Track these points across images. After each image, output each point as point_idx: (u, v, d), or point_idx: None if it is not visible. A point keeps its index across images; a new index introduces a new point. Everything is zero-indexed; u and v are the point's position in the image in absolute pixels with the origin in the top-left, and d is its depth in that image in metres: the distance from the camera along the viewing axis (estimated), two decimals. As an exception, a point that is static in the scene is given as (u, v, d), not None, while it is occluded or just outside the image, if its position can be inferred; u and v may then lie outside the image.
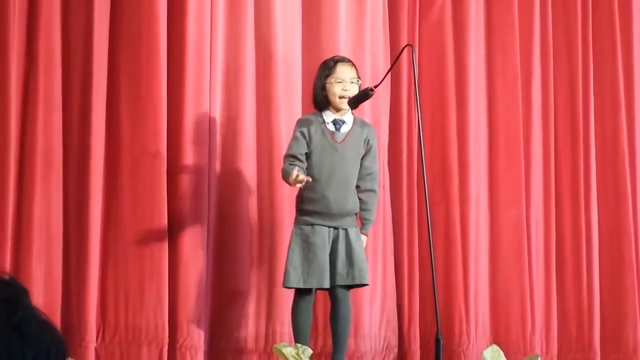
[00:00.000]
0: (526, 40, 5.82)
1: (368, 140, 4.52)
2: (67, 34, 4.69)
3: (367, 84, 4.62)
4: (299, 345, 4.18)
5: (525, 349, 5.56)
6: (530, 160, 5.77)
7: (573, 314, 5.79)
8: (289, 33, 5.17)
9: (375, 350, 5.20)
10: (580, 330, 5.77)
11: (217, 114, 4.97)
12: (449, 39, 5.63)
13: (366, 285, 4.51)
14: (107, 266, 4.68)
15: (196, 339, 4.74)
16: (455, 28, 5.65)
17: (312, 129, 4.44)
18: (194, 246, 4.79)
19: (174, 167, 4.81)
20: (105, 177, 4.70)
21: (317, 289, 4.42)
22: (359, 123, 4.54)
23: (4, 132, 4.48)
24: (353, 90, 4.44)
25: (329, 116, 4.48)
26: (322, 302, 4.81)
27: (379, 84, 4.49)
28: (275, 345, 4.24)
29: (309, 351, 4.13)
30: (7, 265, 4.40)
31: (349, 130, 4.48)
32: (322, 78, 4.47)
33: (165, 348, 4.66)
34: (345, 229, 4.41)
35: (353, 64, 4.53)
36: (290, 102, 5.11)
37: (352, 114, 4.53)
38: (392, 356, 5.26)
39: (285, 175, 4.34)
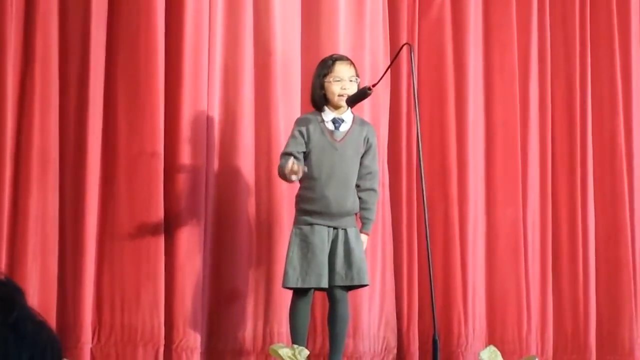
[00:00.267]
0: (524, 39, 5.83)
1: (368, 139, 4.51)
2: (64, 33, 4.69)
3: (367, 83, 4.61)
4: (295, 346, 4.17)
5: (521, 349, 5.57)
6: (527, 160, 5.78)
7: (569, 315, 5.80)
8: (288, 32, 5.16)
9: (374, 351, 5.20)
10: (576, 331, 5.78)
11: (215, 113, 4.97)
12: (448, 37, 5.64)
13: (366, 285, 4.51)
14: (103, 266, 4.67)
15: (192, 339, 4.73)
16: (455, 27, 5.66)
17: (311, 128, 4.43)
18: (191, 246, 4.78)
19: (171, 167, 4.80)
20: (102, 177, 4.69)
21: (315, 289, 4.41)
22: (358, 122, 4.53)
23: (0, 131, 4.47)
24: (352, 89, 4.44)
25: (328, 115, 4.47)
26: (320, 303, 4.81)
27: (377, 83, 4.48)
28: (271, 346, 4.23)
29: (306, 352, 4.13)
30: (3, 265, 4.39)
31: (348, 129, 4.48)
32: (321, 77, 4.46)
33: (161, 349, 4.65)
34: (345, 229, 4.40)
35: (352, 62, 4.52)
36: (289, 101, 5.10)
37: (352, 112, 4.53)
38: (391, 357, 5.26)
39: (281, 170, 4.33)
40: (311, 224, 4.38)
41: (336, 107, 4.47)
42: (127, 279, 4.67)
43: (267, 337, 4.92)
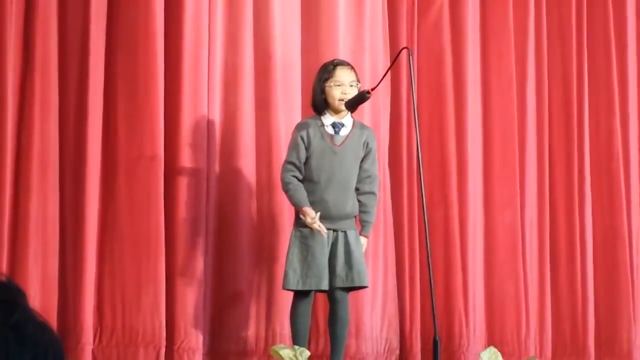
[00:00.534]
0: (521, 43, 5.84)
1: (367, 143, 4.52)
2: (63, 36, 4.69)
3: (367, 86, 4.63)
4: (296, 347, 4.18)
5: (520, 350, 5.57)
6: (525, 163, 5.78)
7: (567, 316, 5.80)
8: (288, 34, 5.17)
9: (377, 352, 5.20)
10: (574, 333, 5.78)
11: (216, 116, 4.97)
12: (446, 41, 5.65)
13: (366, 287, 4.52)
14: (104, 268, 4.68)
15: (194, 341, 4.73)
16: (453, 31, 5.67)
17: (311, 132, 4.45)
18: (192, 248, 4.78)
19: (172, 169, 4.80)
20: (102, 179, 4.70)
21: (316, 291, 4.42)
22: (358, 126, 4.55)
23: (0, 135, 4.48)
24: (352, 94, 4.46)
25: (328, 119, 4.48)
26: (323, 304, 4.81)
27: (376, 87, 4.49)
28: (272, 347, 4.25)
29: (307, 353, 4.13)
30: (4, 267, 4.39)
31: (348, 133, 4.49)
32: (322, 81, 4.48)
33: (163, 350, 4.66)
34: (345, 232, 4.42)
35: (352, 68, 4.54)
36: (289, 104, 5.11)
37: (351, 116, 4.54)
38: (393, 358, 5.26)
39: (294, 200, 4.42)
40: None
41: (336, 112, 4.49)
42: (128, 280, 4.67)
43: (270, 339, 4.92)
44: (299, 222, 4.44)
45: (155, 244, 4.68)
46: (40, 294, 4.50)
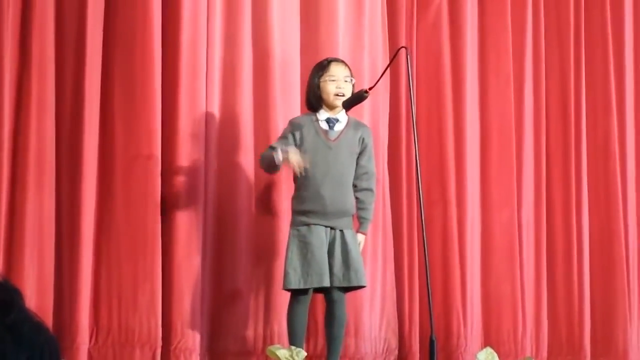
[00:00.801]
0: (519, 43, 5.85)
1: (363, 139, 4.53)
2: (60, 34, 4.68)
3: (366, 85, 4.64)
4: (293, 347, 4.17)
5: (517, 350, 5.58)
6: (522, 162, 5.79)
7: (563, 316, 5.81)
8: (287, 33, 5.17)
9: (376, 352, 5.20)
10: (570, 333, 5.79)
11: (214, 115, 4.96)
12: (445, 40, 5.66)
13: (363, 287, 4.51)
14: (100, 267, 4.67)
15: (190, 341, 4.72)
16: (452, 30, 5.69)
17: (305, 129, 4.46)
18: (189, 247, 4.77)
19: (169, 168, 4.79)
20: (99, 179, 4.69)
21: (315, 291, 4.42)
22: (353, 122, 4.57)
23: (-3, 134, 4.48)
24: (347, 89, 4.48)
25: (322, 115, 4.50)
26: (321, 304, 4.80)
27: (373, 86, 4.51)
28: (269, 347, 4.24)
29: (303, 353, 4.13)
30: (0, 267, 4.39)
31: (343, 129, 4.50)
32: (317, 78, 4.50)
33: (159, 350, 4.64)
34: (341, 230, 4.41)
35: (346, 64, 4.56)
36: (288, 103, 5.10)
37: (347, 114, 4.54)
38: (392, 358, 5.25)
39: (264, 158, 4.38)
40: (308, 224, 4.39)
41: (331, 108, 4.50)
42: (124, 279, 4.66)
43: (268, 338, 4.91)
44: (296, 221, 4.44)
45: (152, 243, 4.67)
46: (36, 294, 4.49)
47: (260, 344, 4.91)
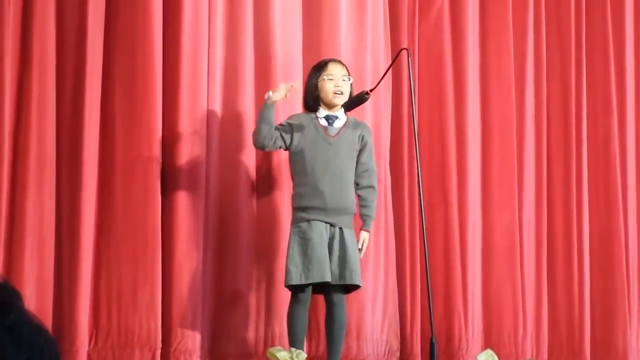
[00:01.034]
0: (520, 43, 5.85)
1: (363, 136, 4.55)
2: (61, 35, 4.68)
3: (369, 86, 4.65)
4: (293, 349, 4.17)
5: (517, 353, 5.57)
6: (523, 163, 5.79)
7: (564, 319, 5.81)
8: (289, 34, 5.17)
9: (377, 354, 5.19)
10: (570, 334, 5.79)
11: (215, 116, 4.96)
12: (447, 41, 5.67)
13: (359, 286, 4.50)
14: (100, 269, 4.67)
15: (190, 342, 4.71)
16: (453, 31, 5.69)
17: (304, 124, 4.49)
18: (189, 249, 4.77)
19: (170, 169, 4.79)
20: (99, 180, 4.69)
21: (315, 292, 4.41)
22: (352, 120, 4.61)
23: (-3, 135, 4.48)
24: (345, 87, 4.52)
25: (321, 113, 4.53)
26: (322, 305, 4.79)
27: (374, 88, 4.52)
28: (269, 349, 4.23)
29: (303, 355, 4.12)
30: None
31: (342, 126, 4.54)
32: (315, 78, 4.54)
33: (159, 352, 4.64)
34: (341, 228, 4.41)
35: (344, 64, 4.61)
36: (290, 105, 5.09)
37: (346, 114, 4.56)
38: (394, 360, 5.25)
39: (257, 125, 4.43)
40: (308, 220, 4.39)
41: (330, 107, 4.52)
42: (124, 281, 4.66)
43: (269, 340, 4.90)
44: (297, 218, 4.45)
45: (152, 245, 4.67)
46: (36, 295, 4.49)
47: (261, 346, 4.90)
